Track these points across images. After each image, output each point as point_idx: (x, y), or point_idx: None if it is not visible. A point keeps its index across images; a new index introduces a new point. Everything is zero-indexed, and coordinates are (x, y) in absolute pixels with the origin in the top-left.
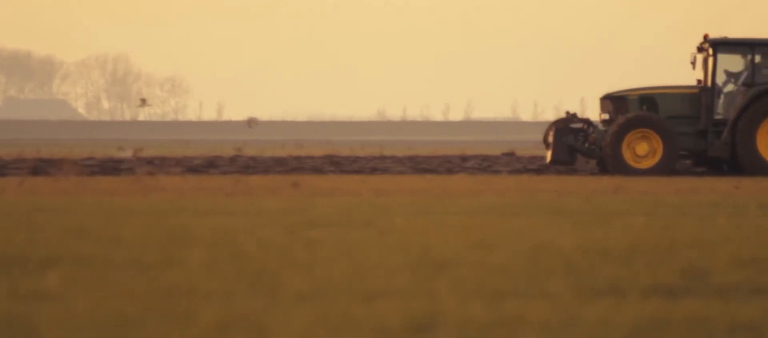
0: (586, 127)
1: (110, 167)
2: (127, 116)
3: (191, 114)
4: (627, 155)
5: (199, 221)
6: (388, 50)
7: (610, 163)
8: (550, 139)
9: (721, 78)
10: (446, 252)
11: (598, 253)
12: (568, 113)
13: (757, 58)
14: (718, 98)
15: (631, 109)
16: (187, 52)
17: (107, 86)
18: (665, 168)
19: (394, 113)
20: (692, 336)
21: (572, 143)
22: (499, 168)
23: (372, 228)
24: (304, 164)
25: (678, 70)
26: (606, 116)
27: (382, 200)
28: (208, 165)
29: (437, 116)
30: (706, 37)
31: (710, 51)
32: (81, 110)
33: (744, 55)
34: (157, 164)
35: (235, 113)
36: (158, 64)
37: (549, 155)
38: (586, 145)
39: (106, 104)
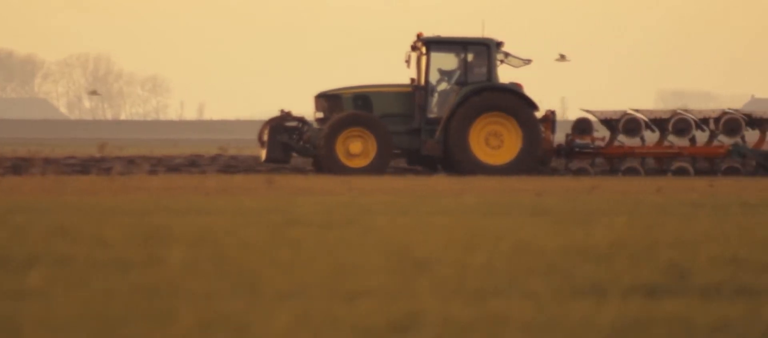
0: (300, 125)
1: (92, 166)
2: (109, 114)
3: (172, 114)
4: (341, 153)
5: (180, 221)
6: (367, 50)
7: (324, 161)
8: (265, 137)
9: (435, 77)
10: (427, 252)
11: (579, 253)
12: (282, 111)
13: (470, 57)
14: (432, 96)
15: (346, 107)
16: (169, 51)
17: (88, 85)
18: (379, 167)
19: None
20: (674, 336)
21: (287, 142)
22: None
23: (353, 228)
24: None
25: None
26: (320, 115)
27: (363, 199)
28: (190, 164)
29: None
30: (419, 36)
31: (423, 49)
32: (62, 109)
33: (457, 54)
34: (139, 163)
35: (216, 113)
36: (139, 63)
37: (264, 153)
38: (301, 143)
39: (87, 103)
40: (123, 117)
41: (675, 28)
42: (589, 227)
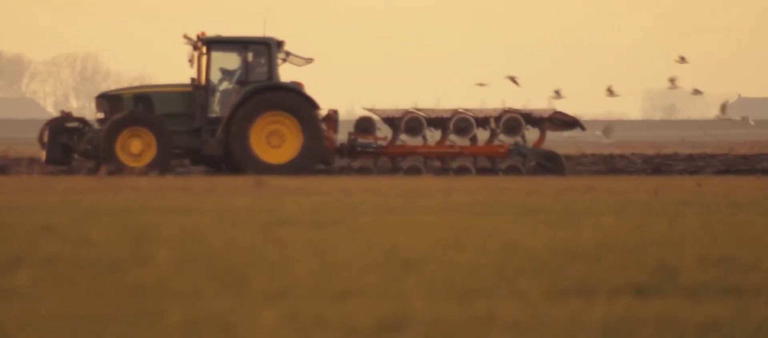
0: (81, 126)
1: (79, 165)
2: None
3: None
4: (122, 154)
5: (167, 220)
6: (354, 50)
7: (104, 162)
8: (45, 139)
9: (216, 76)
10: (416, 251)
11: (568, 252)
12: (62, 111)
13: (250, 57)
14: (213, 96)
15: (127, 107)
16: (156, 50)
17: (76, 84)
18: (159, 166)
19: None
20: (662, 336)
21: (67, 143)
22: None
23: (341, 227)
24: None
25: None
26: (101, 115)
27: (351, 199)
28: (176, 164)
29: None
30: (199, 36)
31: (204, 49)
32: (49, 109)
33: (239, 53)
34: None
35: None
36: (127, 62)
37: (44, 154)
38: (82, 144)
39: (74, 103)
40: None
41: (664, 27)
42: (577, 226)
